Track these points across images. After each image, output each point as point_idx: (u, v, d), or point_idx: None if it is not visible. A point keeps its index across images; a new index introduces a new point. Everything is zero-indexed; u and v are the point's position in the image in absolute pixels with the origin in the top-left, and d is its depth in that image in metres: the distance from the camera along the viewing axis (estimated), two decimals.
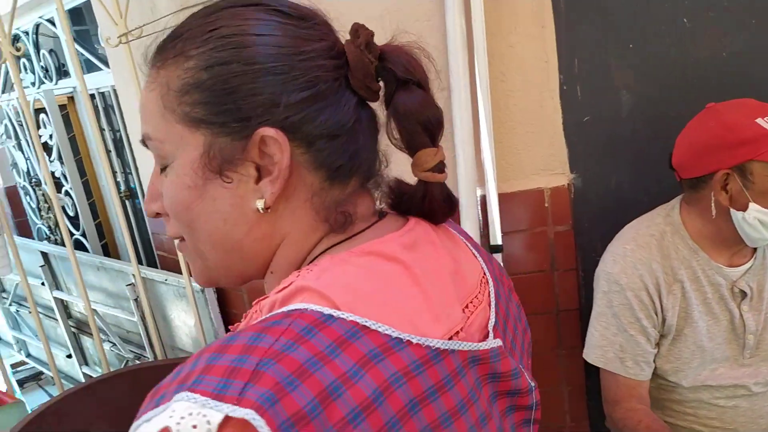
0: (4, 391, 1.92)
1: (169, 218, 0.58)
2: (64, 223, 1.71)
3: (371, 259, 0.52)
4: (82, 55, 2.37)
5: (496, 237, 1.58)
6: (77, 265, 1.70)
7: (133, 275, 2.08)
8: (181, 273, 1.87)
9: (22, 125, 2.83)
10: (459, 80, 1.46)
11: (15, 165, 3.13)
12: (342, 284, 0.49)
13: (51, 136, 2.57)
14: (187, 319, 2.00)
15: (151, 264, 2.42)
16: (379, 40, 0.58)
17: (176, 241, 0.61)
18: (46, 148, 2.60)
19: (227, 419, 0.38)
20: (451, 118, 1.49)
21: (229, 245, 0.56)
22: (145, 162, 2.12)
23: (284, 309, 0.46)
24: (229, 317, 1.85)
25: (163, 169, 0.55)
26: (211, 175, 0.53)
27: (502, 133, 1.54)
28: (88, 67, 2.40)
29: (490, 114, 1.49)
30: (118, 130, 2.46)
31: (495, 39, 1.47)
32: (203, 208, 0.54)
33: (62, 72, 2.53)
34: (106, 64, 2.17)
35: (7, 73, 2.94)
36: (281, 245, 0.56)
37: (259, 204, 0.53)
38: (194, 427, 0.38)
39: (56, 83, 2.54)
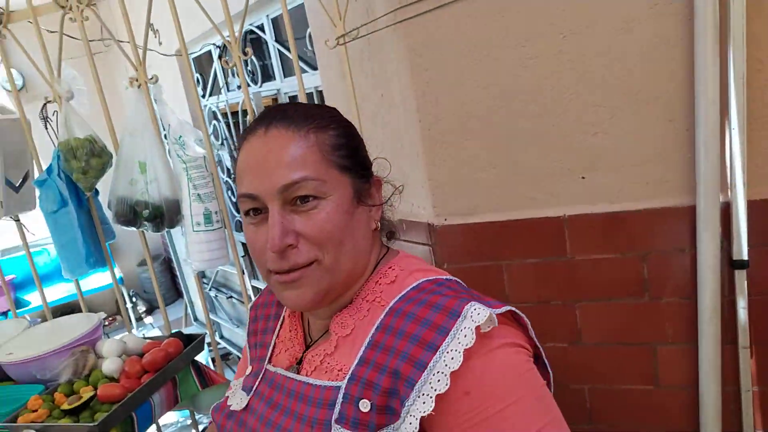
0: (215, 371, 2.09)
1: (305, 245, 0.75)
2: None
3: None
4: (287, 58, 2.52)
5: (741, 251, 1.37)
6: None
7: None
8: None
9: (228, 125, 3.10)
10: (706, 69, 1.28)
11: (219, 163, 3.44)
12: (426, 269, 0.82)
13: None
14: None
15: None
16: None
17: (294, 273, 0.76)
18: None
19: (497, 314, 0.69)
20: (694, 114, 1.31)
21: (359, 253, 0.80)
22: None
23: (426, 279, 0.77)
24: None
25: (304, 201, 0.75)
26: (357, 205, 0.80)
27: (755, 130, 1.33)
28: (293, 70, 2.54)
29: (743, 108, 1.29)
30: None
31: (754, 22, 1.27)
32: (353, 227, 0.78)
33: (267, 75, 2.72)
34: (310, 66, 2.27)
35: (215, 77, 3.23)
36: (373, 255, 0.85)
37: (373, 225, 0.84)
38: (488, 315, 0.67)
39: (260, 86, 2.73)
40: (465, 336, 0.65)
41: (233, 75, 2.90)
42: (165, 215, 1.91)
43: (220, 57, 3.12)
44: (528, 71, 1.45)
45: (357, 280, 0.81)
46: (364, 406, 0.69)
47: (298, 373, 0.82)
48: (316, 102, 2.39)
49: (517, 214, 1.57)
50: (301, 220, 0.74)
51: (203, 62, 3.58)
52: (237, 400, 0.89)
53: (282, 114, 0.79)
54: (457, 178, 1.60)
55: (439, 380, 0.65)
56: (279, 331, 0.93)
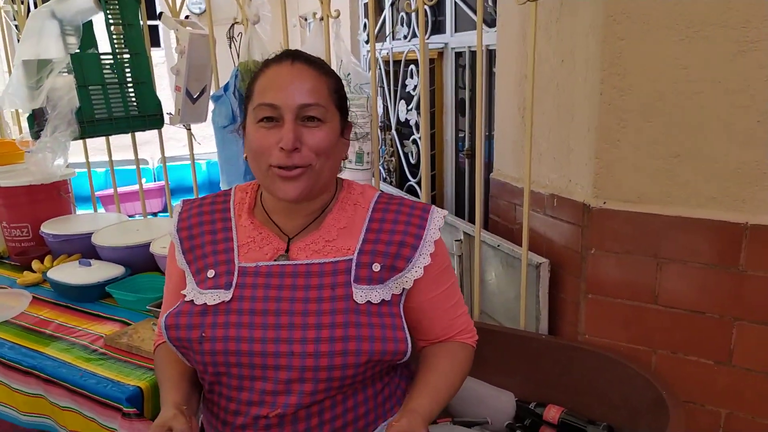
0: None
1: (306, 151, 0.99)
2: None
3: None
4: (461, 12, 2.47)
5: None
6: None
7: (464, 233, 2.13)
8: (517, 242, 1.83)
9: (387, 73, 3.12)
10: None
11: None
12: None
13: (415, 87, 2.77)
14: (507, 289, 1.97)
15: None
16: None
17: (293, 171, 0.99)
18: (409, 97, 2.82)
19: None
20: None
21: (336, 169, 1.08)
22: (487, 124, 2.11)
23: (379, 192, 1.15)
24: (556, 301, 1.75)
25: (312, 119, 1.00)
26: (340, 136, 1.06)
27: None
28: (464, 26, 2.49)
29: None
30: (473, 90, 2.52)
31: None
32: (336, 148, 1.05)
33: (435, 29, 2.68)
34: (488, 24, 2.21)
35: (382, 24, 3.25)
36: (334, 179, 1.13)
37: (343, 155, 1.11)
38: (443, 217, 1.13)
39: (428, 38, 2.70)
40: (434, 233, 1.07)
41: (402, 24, 2.90)
42: None
43: (392, 3, 3.12)
44: (744, 57, 1.30)
45: (328, 188, 1.09)
46: (376, 267, 1.02)
47: (288, 260, 1.04)
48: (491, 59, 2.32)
49: (691, 211, 1.44)
50: (307, 133, 0.99)
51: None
52: (210, 297, 1.02)
53: (303, 55, 1.04)
54: (628, 160, 1.49)
55: (425, 251, 1.06)
56: (236, 236, 1.08)
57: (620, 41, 1.44)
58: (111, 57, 2.18)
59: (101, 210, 5.35)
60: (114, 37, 2.16)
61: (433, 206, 1.11)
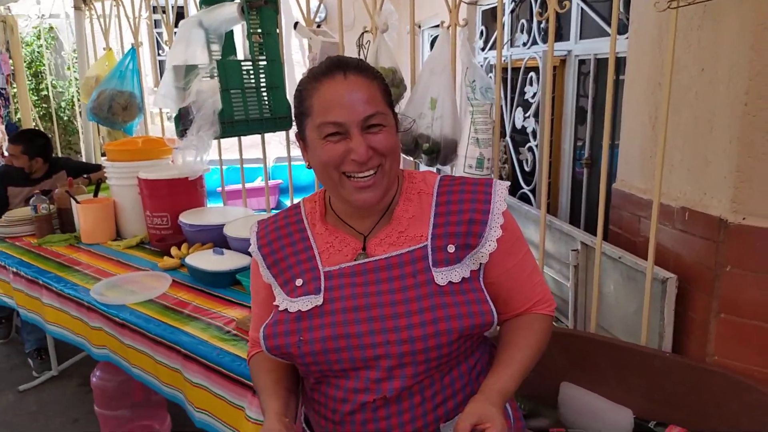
0: None
1: (375, 156, 1.04)
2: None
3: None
4: (587, 18, 2.42)
5: None
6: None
7: (582, 243, 2.09)
8: (640, 255, 1.78)
9: (505, 80, 3.12)
10: None
11: None
12: None
13: (534, 95, 2.75)
14: (626, 303, 1.92)
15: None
16: None
17: (368, 178, 1.05)
18: (526, 104, 2.81)
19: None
20: None
21: (398, 162, 1.11)
22: (603, 133, 2.05)
23: (441, 176, 1.18)
24: (682, 319, 1.68)
25: (374, 126, 1.04)
26: (397, 131, 1.10)
27: None
28: (592, 32, 2.44)
29: None
30: (596, 98, 2.46)
31: None
32: (397, 145, 1.09)
33: (558, 35, 2.65)
34: (618, 31, 2.15)
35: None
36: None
37: (400, 146, 1.13)
38: (506, 187, 1.15)
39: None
40: (500, 204, 1.10)
41: (521, 31, 2.89)
42: (441, 152, 2.02)
43: (512, 11, 3.12)
44: None
45: (396, 182, 1.14)
46: (451, 248, 1.07)
47: (367, 257, 1.10)
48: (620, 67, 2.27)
49: None
50: (373, 139, 1.04)
51: (489, 15, 3.62)
52: (303, 303, 1.08)
53: (351, 64, 1.07)
54: None
55: (495, 223, 1.09)
56: (315, 244, 1.14)
57: None
58: (250, 63, 2.36)
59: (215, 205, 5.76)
60: (254, 44, 2.33)
61: (495, 179, 1.16)
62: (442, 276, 1.06)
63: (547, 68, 1.74)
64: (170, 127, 3.00)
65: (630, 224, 1.98)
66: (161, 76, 2.72)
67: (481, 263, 1.09)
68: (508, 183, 1.14)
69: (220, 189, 5.43)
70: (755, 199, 1.45)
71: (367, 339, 1.04)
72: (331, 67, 1.06)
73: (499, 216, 1.09)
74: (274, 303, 1.13)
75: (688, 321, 1.66)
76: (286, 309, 1.10)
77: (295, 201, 1.28)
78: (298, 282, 1.11)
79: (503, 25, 3.22)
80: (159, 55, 5.78)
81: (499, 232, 1.08)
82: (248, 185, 5.46)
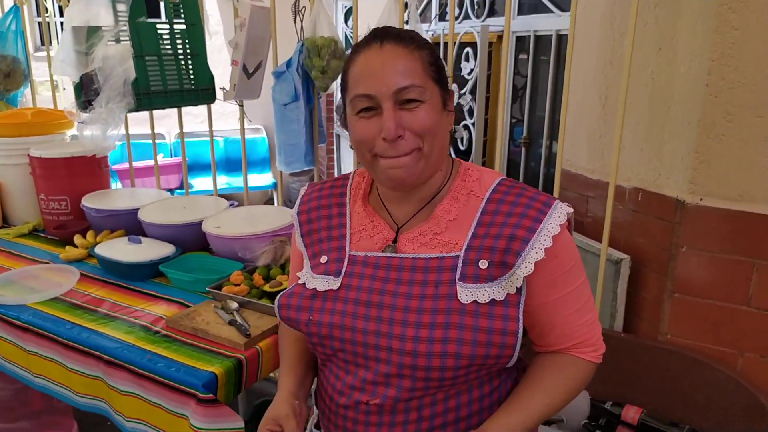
0: None
1: (410, 136, 0.95)
2: None
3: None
4: None
5: None
6: None
7: None
8: (588, 236, 1.77)
9: None
10: None
11: None
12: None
13: (471, 71, 2.68)
14: None
15: None
16: None
17: (399, 158, 0.96)
18: (461, 81, 2.73)
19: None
20: None
21: (445, 146, 1.01)
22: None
23: (502, 177, 1.05)
24: (634, 299, 1.69)
25: (411, 102, 0.94)
26: (442, 110, 1.00)
27: None
28: (533, 9, 2.40)
29: None
30: (525, 76, 2.44)
31: None
32: (441, 124, 0.98)
33: (493, 10, 2.60)
34: (559, 7, 2.12)
35: (426, 4, 3.15)
36: (446, 156, 1.04)
37: (450, 127, 1.03)
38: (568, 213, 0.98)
39: (483, 20, 2.61)
40: (552, 227, 0.95)
41: (455, 5, 2.80)
42: None
43: None
44: None
45: (440, 168, 1.03)
46: (483, 264, 0.95)
47: (395, 251, 1.02)
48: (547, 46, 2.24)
49: None
50: (408, 116, 0.94)
51: None
52: (321, 282, 1.04)
53: (391, 33, 0.98)
54: (733, 156, 1.42)
55: (539, 245, 0.94)
56: (350, 223, 1.08)
57: (734, 31, 1.37)
58: (166, 27, 2.09)
59: (117, 184, 5.28)
60: (169, 5, 2.06)
61: (558, 201, 1.00)
62: (467, 293, 0.94)
63: (505, 42, 1.66)
64: (62, 97, 2.63)
65: (577, 205, 1.98)
66: (41, 41, 2.36)
67: (517, 287, 0.95)
68: (571, 210, 1.00)
69: (116, 167, 4.98)
70: (713, 180, 1.46)
71: (371, 338, 0.98)
72: (369, 37, 1.00)
73: (547, 239, 0.94)
74: (296, 273, 1.11)
75: (640, 301, 1.68)
76: (305, 284, 1.07)
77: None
78: (323, 258, 1.08)
79: None
80: (37, 15, 5.14)
81: (541, 255, 0.94)
82: (150, 163, 5.06)
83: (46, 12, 3.26)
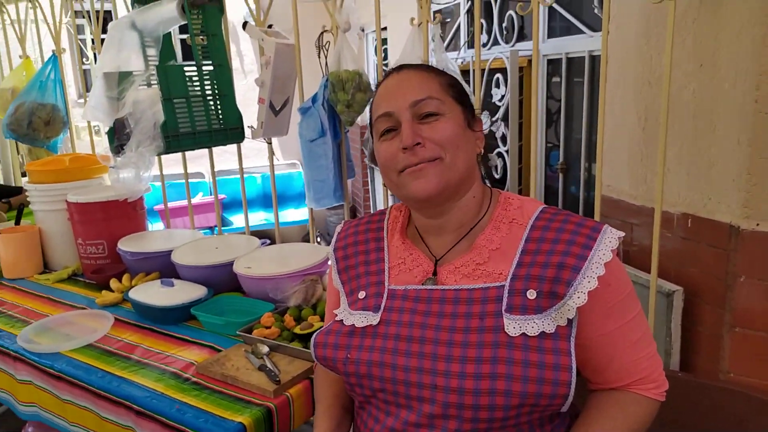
0: None
1: (430, 145, 0.95)
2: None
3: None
4: (555, 17, 2.31)
5: None
6: None
7: None
8: (634, 266, 1.66)
9: (467, 83, 2.98)
10: None
11: None
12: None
13: (501, 98, 2.62)
14: None
15: None
16: None
17: (421, 164, 0.95)
18: (492, 108, 2.68)
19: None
20: None
21: (472, 163, 1.00)
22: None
23: (544, 205, 1.01)
24: (689, 334, 1.57)
25: (430, 116, 0.96)
26: (467, 127, 1.00)
27: None
28: (565, 31, 2.33)
29: None
30: (560, 100, 2.36)
31: None
32: (465, 140, 0.98)
33: (522, 35, 2.54)
34: (591, 28, 2.05)
35: (455, 32, 3.12)
36: (477, 180, 1.03)
37: (478, 150, 1.04)
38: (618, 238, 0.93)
39: (513, 45, 2.56)
40: (604, 254, 0.90)
41: (483, 31, 2.76)
42: None
43: (468, 10, 2.99)
44: None
45: (470, 188, 1.01)
46: (531, 294, 0.90)
47: (435, 284, 0.98)
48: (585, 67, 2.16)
49: None
50: (427, 128, 0.95)
51: (442, 14, 3.49)
52: (359, 319, 1.01)
53: (410, 65, 1.03)
54: None
55: (591, 273, 0.89)
56: (388, 257, 1.06)
57: None
58: (194, 69, 2.11)
59: (152, 225, 5.38)
60: (198, 47, 2.08)
61: (607, 225, 0.95)
62: (515, 325, 0.89)
63: (534, 68, 1.60)
64: (100, 142, 2.69)
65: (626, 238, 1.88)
66: (86, 88, 2.42)
67: (569, 318, 0.90)
68: (622, 234, 0.95)
69: (157, 207, 5.07)
70: None
71: (414, 376, 0.92)
72: (389, 71, 1.05)
73: (600, 266, 0.89)
74: (334, 311, 1.09)
75: (696, 336, 1.55)
76: (342, 321, 1.04)
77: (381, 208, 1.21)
78: (361, 294, 1.05)
79: (458, 25, 3.09)
80: (83, 63, 5.35)
81: (595, 284, 0.88)
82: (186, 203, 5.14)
83: (87, 60, 3.37)
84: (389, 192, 4.16)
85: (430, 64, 1.73)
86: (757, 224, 1.37)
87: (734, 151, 1.40)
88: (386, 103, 0.99)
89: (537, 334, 0.87)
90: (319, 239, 5.74)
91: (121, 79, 2.14)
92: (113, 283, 2.21)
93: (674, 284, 1.54)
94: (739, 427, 1.40)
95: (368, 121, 1.08)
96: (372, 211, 1.26)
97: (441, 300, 0.96)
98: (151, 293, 1.97)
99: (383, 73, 1.07)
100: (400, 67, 1.03)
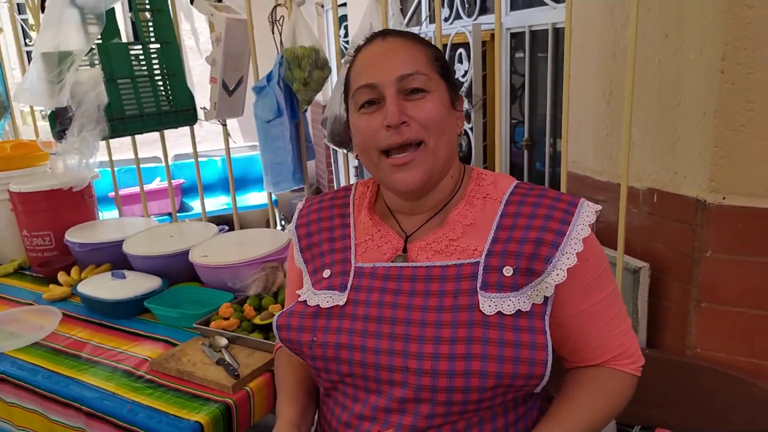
0: None
1: (415, 125, 0.89)
2: None
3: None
4: None
5: None
6: None
7: None
8: (606, 245, 1.64)
9: None
10: None
11: None
12: None
13: (465, 74, 2.56)
14: None
15: None
16: None
17: (406, 154, 0.90)
18: (457, 83, 2.61)
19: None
20: None
21: (453, 147, 0.96)
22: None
23: (518, 181, 0.98)
24: (656, 310, 1.55)
25: (416, 92, 0.90)
26: (451, 107, 0.95)
27: None
28: (528, 3, 2.27)
29: None
30: (524, 75, 2.31)
31: None
32: (448, 121, 0.93)
33: (484, 8, 2.47)
34: None
35: (417, 7, 3.04)
36: (455, 159, 0.99)
37: (459, 130, 0.98)
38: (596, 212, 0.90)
39: (475, 18, 2.49)
40: (582, 229, 0.87)
41: (444, 5, 2.68)
42: None
43: None
44: None
45: (449, 172, 0.97)
46: (507, 271, 0.87)
47: (406, 261, 0.94)
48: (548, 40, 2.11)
49: None
50: (413, 106, 0.89)
51: None
52: (324, 299, 0.96)
53: (394, 31, 0.97)
54: (755, 149, 1.29)
55: (570, 249, 0.87)
56: (354, 234, 1.02)
57: (749, 10, 1.23)
58: (140, 47, 1.98)
59: (108, 213, 5.18)
60: (142, 24, 1.95)
61: (583, 199, 0.92)
62: (490, 303, 0.85)
63: (497, 41, 1.54)
64: (45, 127, 2.53)
65: None
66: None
67: (546, 296, 0.87)
68: (599, 207, 0.92)
69: (112, 195, 4.88)
70: (735, 177, 1.33)
71: (384, 358, 0.88)
72: (371, 36, 0.98)
73: (578, 242, 0.86)
74: (297, 291, 1.02)
75: (663, 312, 1.54)
76: (305, 301, 0.99)
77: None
78: (326, 273, 1.00)
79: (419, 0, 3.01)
80: (26, 44, 5.07)
81: (574, 260, 0.86)
82: (148, 187, 4.95)
83: (30, 41, 3.18)
84: (355, 172, 4.07)
85: None
86: (724, 198, 1.35)
87: (700, 124, 1.37)
88: (369, 73, 0.92)
89: (513, 312, 0.85)
90: (283, 222, 5.63)
91: (61, 59, 2.00)
92: (61, 277, 2.09)
93: (640, 260, 1.52)
94: (707, 400, 1.40)
95: (343, 91, 1.00)
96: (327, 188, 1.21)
97: (412, 278, 0.92)
98: (102, 286, 1.87)
99: (364, 40, 0.98)
100: (385, 33, 0.96)
